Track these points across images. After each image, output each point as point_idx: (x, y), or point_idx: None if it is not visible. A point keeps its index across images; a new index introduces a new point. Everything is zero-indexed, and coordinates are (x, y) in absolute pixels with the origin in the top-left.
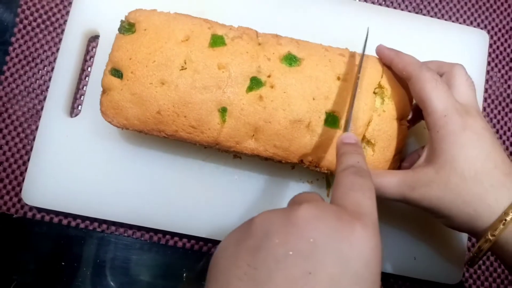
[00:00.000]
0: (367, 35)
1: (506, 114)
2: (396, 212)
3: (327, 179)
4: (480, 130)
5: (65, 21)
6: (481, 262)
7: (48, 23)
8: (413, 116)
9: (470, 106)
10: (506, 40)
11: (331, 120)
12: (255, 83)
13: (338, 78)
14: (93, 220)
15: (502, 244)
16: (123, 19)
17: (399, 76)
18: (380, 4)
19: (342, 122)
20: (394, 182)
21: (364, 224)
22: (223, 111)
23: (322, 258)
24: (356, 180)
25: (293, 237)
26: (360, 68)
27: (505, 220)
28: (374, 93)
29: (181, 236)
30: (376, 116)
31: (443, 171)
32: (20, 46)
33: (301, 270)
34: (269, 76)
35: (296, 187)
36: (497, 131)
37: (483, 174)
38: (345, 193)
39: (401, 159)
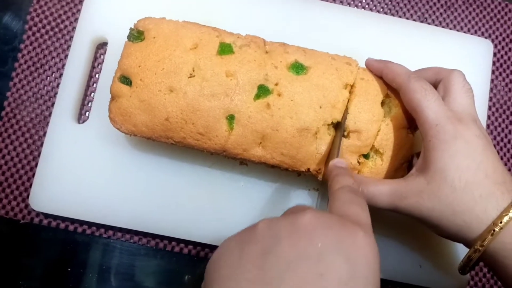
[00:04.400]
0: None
1: (511, 123)
2: (402, 219)
3: None
4: (473, 138)
5: (74, 28)
6: (486, 269)
7: (57, 30)
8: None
9: (465, 113)
10: (510, 49)
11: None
12: (262, 91)
13: (345, 87)
14: (99, 226)
15: (491, 254)
16: (132, 27)
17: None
18: (385, 13)
19: (350, 132)
20: (386, 191)
21: (366, 231)
22: (230, 118)
23: (331, 261)
24: (353, 196)
25: (303, 242)
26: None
27: (494, 230)
28: (382, 102)
29: (187, 242)
30: (384, 126)
31: (433, 182)
32: (29, 52)
33: (312, 272)
34: (276, 84)
35: (302, 195)
36: (502, 140)
37: (474, 184)
38: (344, 206)
39: (409, 167)
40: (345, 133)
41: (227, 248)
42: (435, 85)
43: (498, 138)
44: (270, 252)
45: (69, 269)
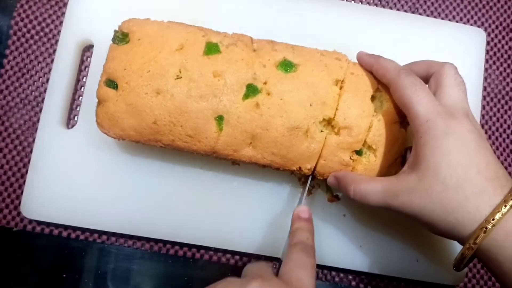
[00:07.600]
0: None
1: (506, 112)
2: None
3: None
4: (465, 134)
5: (59, 31)
6: None
7: (42, 34)
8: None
9: (457, 108)
10: (503, 37)
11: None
12: (251, 90)
13: (335, 83)
14: (93, 231)
15: (484, 251)
16: (117, 29)
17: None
18: (376, 5)
19: (340, 128)
20: (378, 190)
21: None
22: (219, 119)
23: None
24: (302, 258)
25: None
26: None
27: (486, 227)
28: (373, 96)
29: (182, 245)
30: (376, 121)
31: (425, 179)
32: (14, 58)
33: None
34: (265, 83)
35: (296, 193)
36: (497, 129)
37: (465, 181)
38: (292, 270)
39: (403, 162)
40: (336, 130)
41: None
42: (427, 79)
43: (494, 128)
44: None
45: (64, 275)
